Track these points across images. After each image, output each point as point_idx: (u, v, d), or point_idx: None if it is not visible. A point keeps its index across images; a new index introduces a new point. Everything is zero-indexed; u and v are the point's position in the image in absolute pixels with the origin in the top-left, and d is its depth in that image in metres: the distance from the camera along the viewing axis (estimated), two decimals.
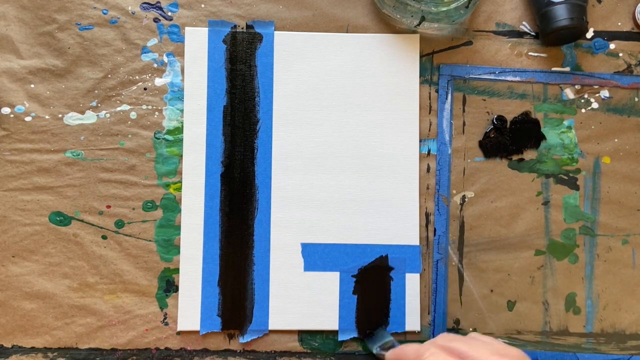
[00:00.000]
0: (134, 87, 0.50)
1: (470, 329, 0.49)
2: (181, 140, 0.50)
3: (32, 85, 0.49)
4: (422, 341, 0.49)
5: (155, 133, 0.50)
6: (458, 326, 0.49)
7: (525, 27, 0.51)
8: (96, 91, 0.50)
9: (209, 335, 0.49)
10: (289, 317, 0.49)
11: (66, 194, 0.49)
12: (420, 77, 0.50)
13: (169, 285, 0.49)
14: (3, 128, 0.49)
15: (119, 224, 0.49)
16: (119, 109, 0.50)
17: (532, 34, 0.51)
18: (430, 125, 0.50)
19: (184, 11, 0.50)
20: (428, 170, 0.50)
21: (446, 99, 0.50)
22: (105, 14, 0.50)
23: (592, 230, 0.50)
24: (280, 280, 0.49)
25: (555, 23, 0.47)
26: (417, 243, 0.49)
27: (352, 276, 0.49)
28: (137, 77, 0.50)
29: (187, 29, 0.50)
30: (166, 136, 0.50)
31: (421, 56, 0.51)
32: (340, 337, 0.49)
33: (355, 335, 0.49)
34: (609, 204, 0.50)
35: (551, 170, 0.50)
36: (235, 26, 0.50)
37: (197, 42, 0.50)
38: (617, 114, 0.50)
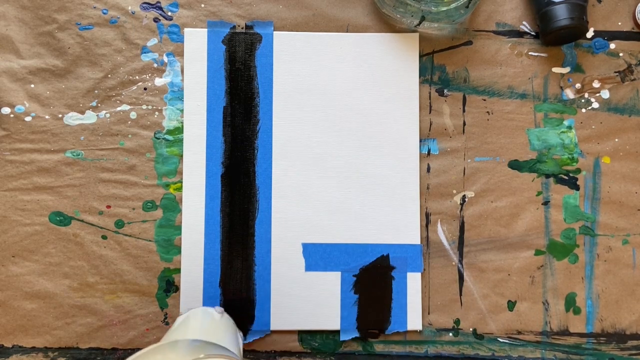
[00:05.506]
0: (134, 87, 0.50)
1: (470, 329, 0.49)
2: (181, 140, 0.50)
3: (32, 85, 0.49)
4: (423, 341, 0.49)
5: (155, 133, 0.50)
6: (458, 326, 0.49)
7: (525, 27, 0.51)
8: (96, 91, 0.50)
9: None
10: (291, 317, 0.49)
11: (66, 194, 0.49)
12: (420, 76, 0.50)
13: (169, 285, 0.49)
14: (3, 128, 0.49)
15: (119, 224, 0.49)
16: (119, 109, 0.50)
17: (532, 33, 0.51)
18: (431, 125, 0.50)
19: (184, 11, 0.50)
20: (428, 170, 0.50)
21: None
22: (105, 13, 0.50)
23: (592, 230, 0.50)
24: (282, 280, 0.49)
25: (555, 23, 0.47)
26: (418, 242, 0.49)
27: (354, 276, 0.49)
28: (137, 77, 0.50)
29: (186, 30, 0.50)
30: (166, 136, 0.50)
31: (421, 56, 0.51)
32: (342, 337, 0.49)
33: (356, 335, 0.49)
34: (609, 204, 0.50)
35: (551, 170, 0.50)
36: (234, 27, 0.50)
37: (197, 43, 0.50)
38: (617, 114, 0.50)
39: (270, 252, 0.49)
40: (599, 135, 0.50)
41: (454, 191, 0.50)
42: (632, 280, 0.50)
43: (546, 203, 0.50)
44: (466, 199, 0.50)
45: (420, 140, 0.50)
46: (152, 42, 0.50)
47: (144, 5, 0.50)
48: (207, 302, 0.49)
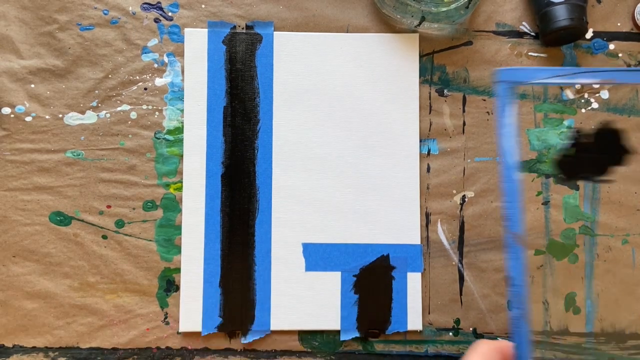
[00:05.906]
0: (134, 87, 0.50)
1: (470, 329, 0.49)
2: (181, 140, 0.50)
3: (33, 85, 0.49)
4: (423, 340, 0.49)
5: (155, 133, 0.50)
6: (458, 326, 0.49)
7: (525, 27, 0.51)
8: (96, 91, 0.50)
9: (209, 334, 0.49)
10: (291, 317, 0.49)
11: (66, 194, 0.49)
12: (420, 77, 0.51)
13: (169, 285, 0.49)
14: (3, 128, 0.49)
15: (119, 223, 0.49)
16: (119, 109, 0.50)
17: (532, 34, 0.51)
18: (431, 125, 0.50)
19: (185, 11, 0.50)
20: (428, 170, 0.50)
21: (507, 111, 0.36)
22: (105, 14, 0.50)
23: (592, 230, 0.50)
24: (282, 280, 0.49)
25: (555, 23, 0.47)
26: (418, 242, 0.49)
27: (354, 276, 0.49)
28: (137, 77, 0.50)
29: (186, 30, 0.50)
30: (166, 136, 0.50)
31: (421, 56, 0.51)
32: (342, 337, 0.49)
33: (356, 335, 0.49)
34: (608, 204, 0.50)
35: (551, 170, 0.50)
36: (234, 27, 0.50)
37: (197, 43, 0.50)
38: (617, 114, 0.51)
39: (270, 252, 0.49)
40: None
41: (454, 191, 0.50)
42: (631, 280, 0.50)
43: (546, 203, 0.50)
44: (466, 199, 0.50)
45: (420, 140, 0.50)
46: (153, 42, 0.50)
47: (145, 5, 0.50)
48: (207, 301, 0.49)
